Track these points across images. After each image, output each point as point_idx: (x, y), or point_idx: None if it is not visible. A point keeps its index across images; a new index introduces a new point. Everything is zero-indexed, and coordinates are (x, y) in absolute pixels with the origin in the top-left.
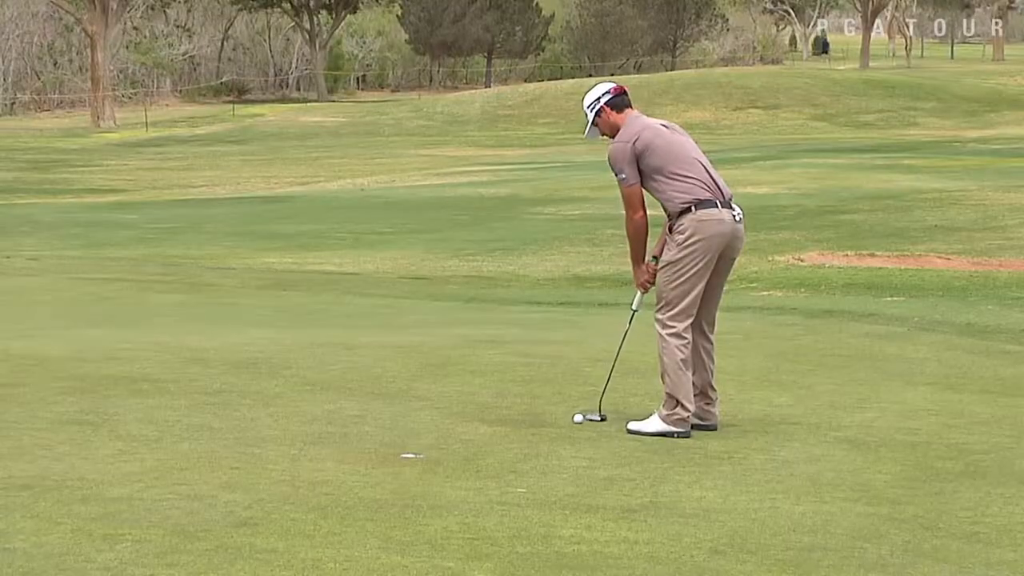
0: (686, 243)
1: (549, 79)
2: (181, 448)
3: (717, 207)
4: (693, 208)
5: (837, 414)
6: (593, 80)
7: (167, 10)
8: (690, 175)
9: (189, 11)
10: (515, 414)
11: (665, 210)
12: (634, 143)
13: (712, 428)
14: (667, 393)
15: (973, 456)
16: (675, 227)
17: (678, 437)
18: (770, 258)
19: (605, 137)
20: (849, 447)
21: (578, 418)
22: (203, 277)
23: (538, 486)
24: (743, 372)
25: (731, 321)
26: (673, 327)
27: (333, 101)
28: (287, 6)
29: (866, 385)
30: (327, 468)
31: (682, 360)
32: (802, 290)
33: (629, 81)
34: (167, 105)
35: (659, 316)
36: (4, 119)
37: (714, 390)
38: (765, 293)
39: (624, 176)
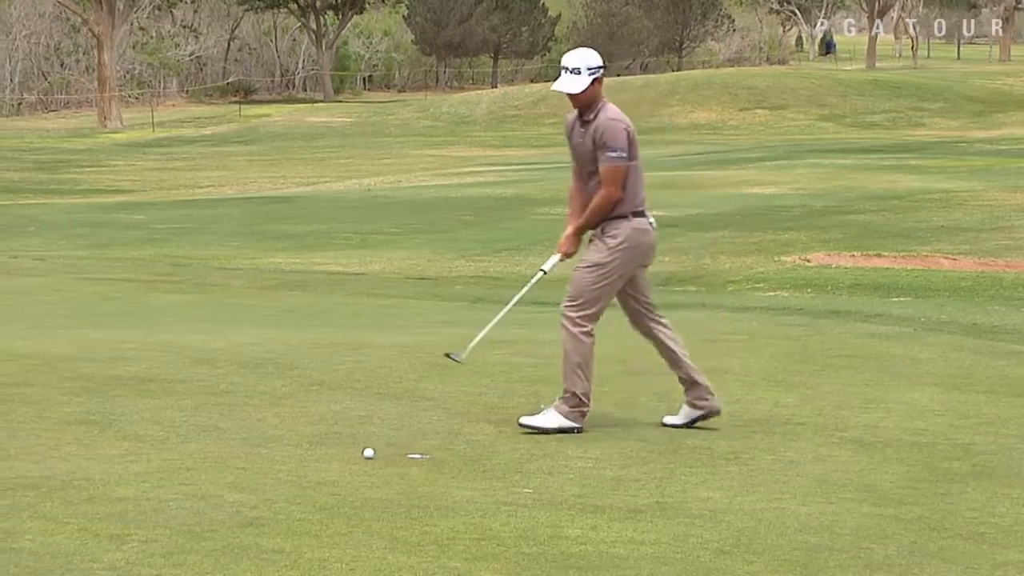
0: (617, 248)
1: (555, 79)
2: (187, 448)
3: (646, 216)
4: (630, 216)
5: (843, 414)
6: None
7: (173, 11)
8: (641, 179)
9: (195, 12)
10: (521, 414)
11: None
12: (631, 128)
13: (716, 413)
14: (570, 390)
15: (980, 457)
16: (608, 228)
17: (576, 432)
18: (776, 258)
19: (564, 95)
20: (855, 447)
21: (368, 453)
22: (209, 277)
23: (544, 486)
24: (749, 372)
25: (737, 321)
26: (586, 327)
27: (339, 101)
28: (293, 7)
29: (872, 386)
30: (334, 468)
31: (589, 358)
32: (808, 290)
33: (635, 82)
34: (173, 105)
35: (572, 313)
36: (11, 119)
37: (699, 374)
38: (771, 293)
39: (624, 155)
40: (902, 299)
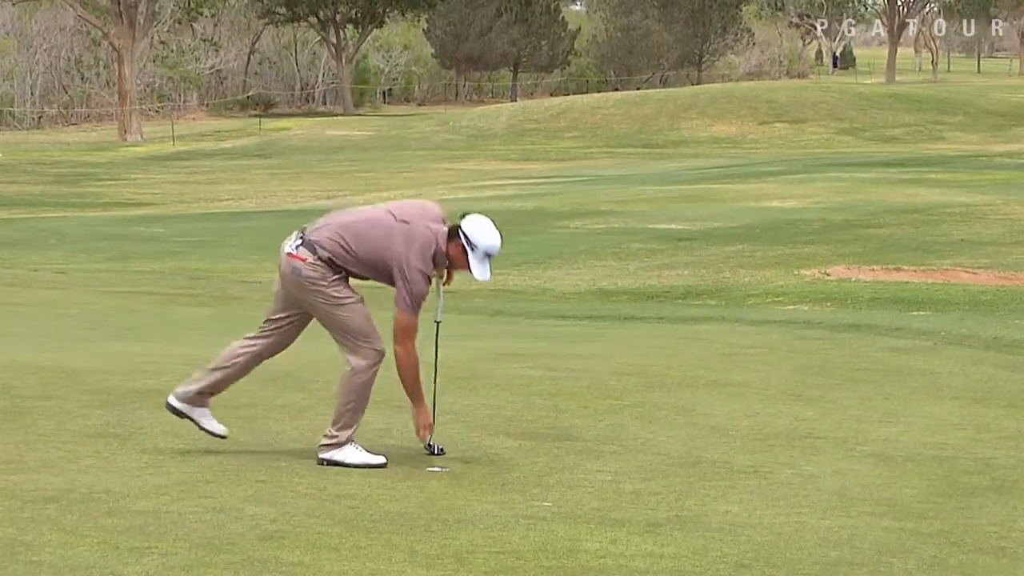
0: None
1: (575, 93)
2: (207, 461)
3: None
4: None
5: (863, 428)
6: (623, 95)
7: (194, 24)
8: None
9: (216, 25)
10: (541, 428)
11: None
12: None
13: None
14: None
15: (1000, 471)
16: None
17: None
18: (796, 272)
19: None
20: (875, 461)
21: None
22: (229, 291)
23: (563, 500)
24: (768, 386)
25: (757, 335)
26: None
27: (359, 115)
28: (313, 20)
29: (892, 399)
30: (353, 481)
31: None
32: (828, 304)
33: (655, 95)
34: (194, 119)
35: None
36: (32, 133)
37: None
38: (791, 307)
39: None
40: (922, 313)
